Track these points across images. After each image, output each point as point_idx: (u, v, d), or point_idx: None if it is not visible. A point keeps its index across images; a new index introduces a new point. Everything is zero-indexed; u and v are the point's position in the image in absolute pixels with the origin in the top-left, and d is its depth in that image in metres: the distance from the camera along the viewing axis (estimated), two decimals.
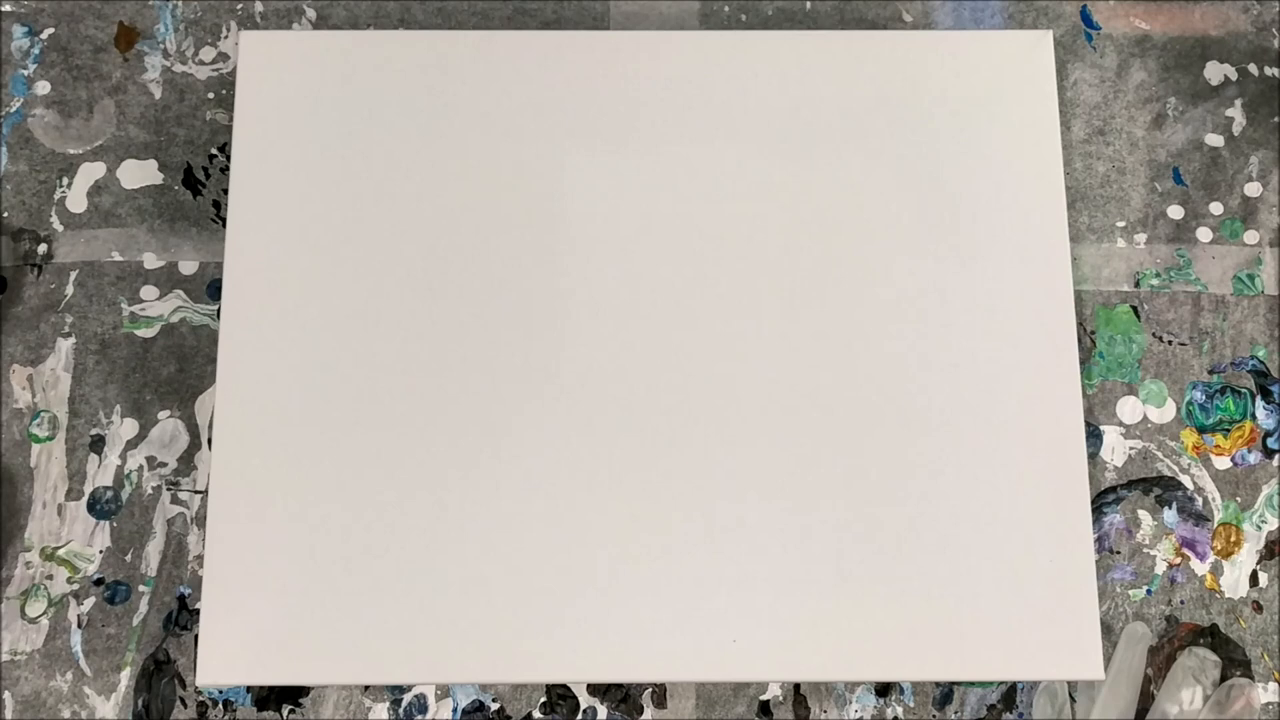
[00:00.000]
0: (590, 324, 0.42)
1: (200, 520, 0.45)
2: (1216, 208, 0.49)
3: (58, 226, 0.48)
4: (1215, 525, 0.46)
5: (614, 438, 0.41)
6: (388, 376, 0.41)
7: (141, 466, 0.46)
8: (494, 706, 0.44)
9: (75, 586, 0.45)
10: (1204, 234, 0.49)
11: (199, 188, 0.48)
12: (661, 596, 0.40)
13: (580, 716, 0.45)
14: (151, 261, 0.48)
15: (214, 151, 0.49)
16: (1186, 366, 0.48)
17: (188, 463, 0.46)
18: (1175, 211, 0.49)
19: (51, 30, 0.50)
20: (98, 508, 0.46)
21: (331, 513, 0.40)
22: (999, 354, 0.42)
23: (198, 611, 0.44)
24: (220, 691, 0.44)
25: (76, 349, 0.47)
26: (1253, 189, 0.49)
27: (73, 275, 0.47)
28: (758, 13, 0.50)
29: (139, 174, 0.48)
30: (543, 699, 0.45)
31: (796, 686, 0.45)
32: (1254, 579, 0.46)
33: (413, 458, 0.41)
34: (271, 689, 0.44)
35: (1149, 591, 0.46)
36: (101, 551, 0.45)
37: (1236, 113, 0.50)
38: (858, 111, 0.44)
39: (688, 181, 0.43)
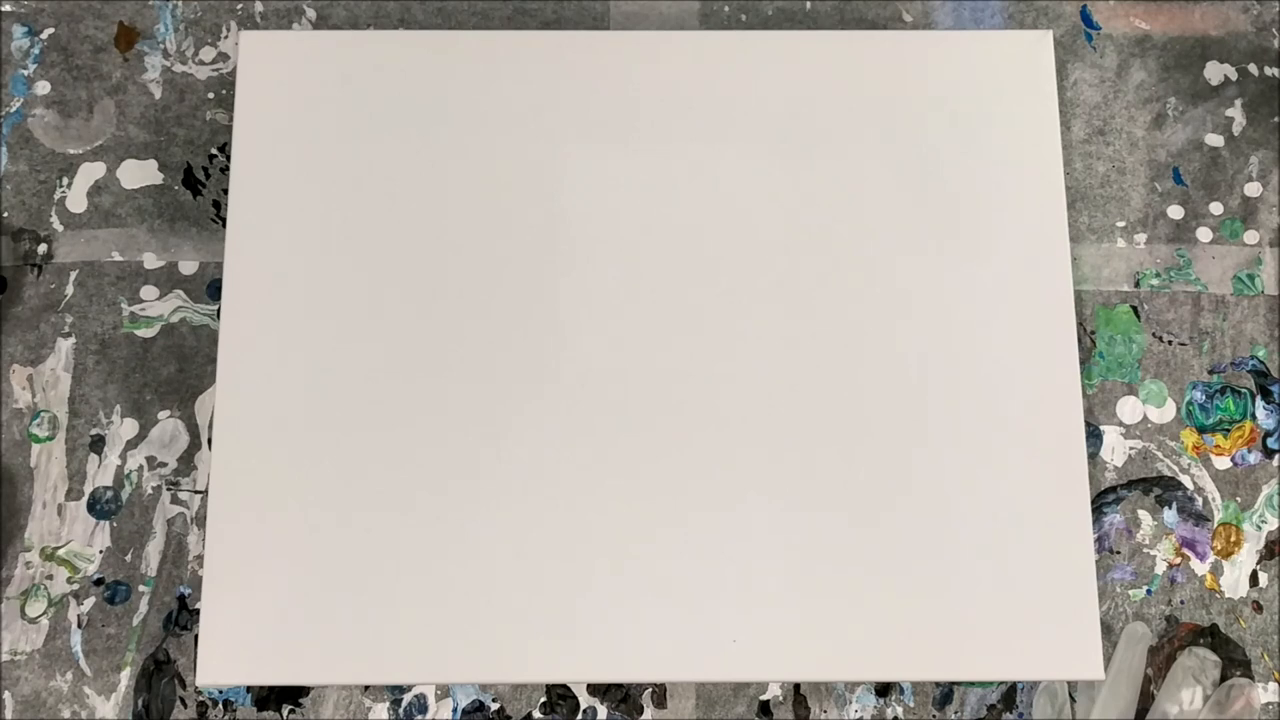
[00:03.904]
0: (589, 324, 0.42)
1: (200, 520, 0.45)
2: (1216, 208, 0.49)
3: (58, 226, 0.48)
4: (1215, 525, 0.46)
5: (614, 438, 0.41)
6: (388, 376, 0.41)
7: (141, 466, 0.46)
8: (494, 706, 0.44)
9: (75, 586, 0.45)
10: (1204, 234, 0.49)
11: (199, 188, 0.48)
12: (661, 596, 0.40)
13: (580, 716, 0.45)
14: (151, 261, 0.48)
15: (214, 151, 0.49)
16: (1186, 366, 0.48)
17: (188, 463, 0.46)
18: (1175, 211, 0.49)
19: (51, 30, 0.50)
20: (98, 508, 0.46)
21: (331, 513, 0.40)
22: (999, 354, 0.42)
23: (198, 611, 0.44)
24: (220, 691, 0.44)
25: (76, 349, 0.47)
26: (1253, 189, 0.49)
27: (73, 275, 0.47)
28: (758, 13, 0.50)
29: (139, 174, 0.48)
30: (543, 699, 0.45)
31: (796, 686, 0.45)
32: (1254, 579, 0.46)
33: (413, 457, 0.41)
34: (271, 689, 0.44)
35: (1149, 591, 0.46)
36: (101, 551, 0.45)
37: (1236, 113, 0.50)
38: (858, 111, 0.44)
39: (688, 181, 0.43)
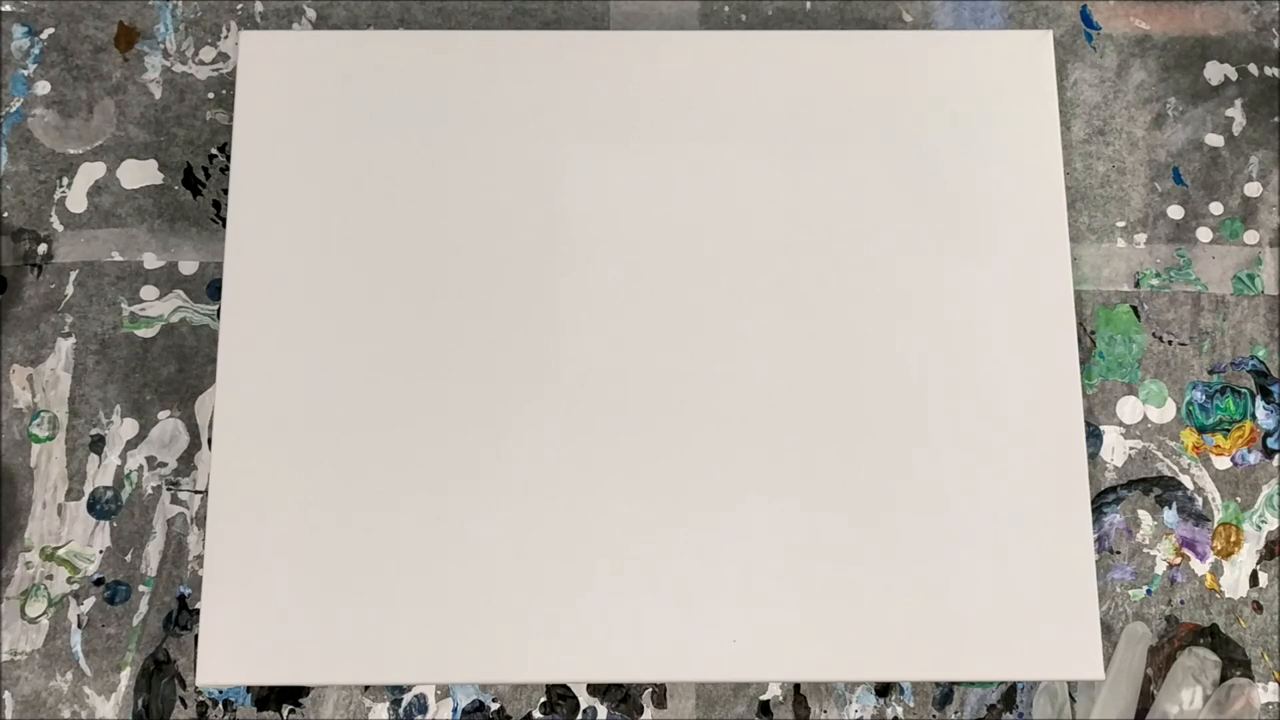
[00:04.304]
0: (590, 324, 0.42)
1: (200, 520, 0.45)
2: (1216, 208, 0.49)
3: (58, 226, 0.48)
4: (1215, 525, 0.46)
5: (614, 438, 0.41)
6: (388, 376, 0.41)
7: (141, 466, 0.46)
8: (494, 706, 0.44)
9: (75, 586, 0.45)
10: (1204, 234, 0.49)
11: (199, 188, 0.48)
12: (661, 596, 0.40)
13: (580, 716, 0.45)
14: (151, 261, 0.48)
15: (214, 151, 0.49)
16: (1186, 366, 0.48)
17: (188, 463, 0.46)
18: (1175, 211, 0.49)
19: (51, 30, 0.50)
20: (98, 508, 0.46)
21: (331, 512, 0.40)
22: (999, 354, 0.42)
23: (198, 611, 0.44)
24: (220, 691, 0.44)
25: (76, 349, 0.47)
26: (1253, 189, 0.49)
27: (73, 275, 0.47)
28: (758, 13, 0.50)
29: (139, 174, 0.48)
30: (543, 699, 0.45)
31: (796, 686, 0.45)
32: (1254, 579, 0.46)
33: (413, 457, 0.41)
34: (271, 689, 0.44)
35: (1149, 591, 0.46)
36: (101, 551, 0.45)
37: (1236, 113, 0.50)
38: (858, 111, 0.44)
39: (688, 181, 0.43)
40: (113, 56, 0.50)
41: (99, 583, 0.45)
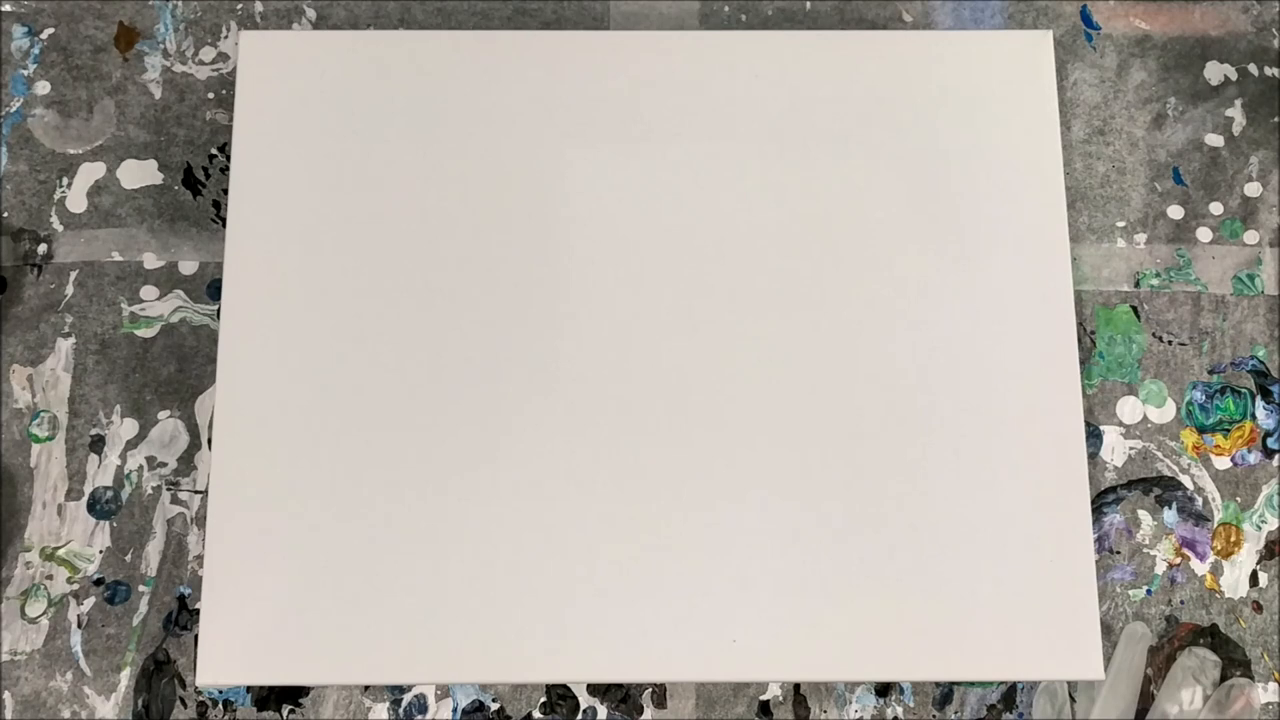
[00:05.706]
0: (590, 324, 0.42)
1: (200, 520, 0.45)
2: (1216, 208, 0.49)
3: (58, 226, 0.48)
4: (1215, 525, 0.46)
5: (614, 437, 0.41)
6: (388, 376, 0.41)
7: (141, 466, 0.46)
8: (494, 706, 0.44)
9: (75, 586, 0.45)
10: (1204, 234, 0.49)
11: (199, 188, 0.48)
12: (661, 596, 0.40)
13: (580, 716, 0.45)
14: (151, 261, 0.48)
15: (214, 151, 0.49)
16: (1186, 366, 0.48)
17: (188, 463, 0.46)
18: (1175, 211, 0.49)
19: (51, 30, 0.50)
20: (98, 508, 0.46)
21: (331, 512, 0.40)
22: (999, 354, 0.42)
23: (198, 611, 0.44)
24: (220, 691, 0.44)
25: (76, 349, 0.47)
26: (1253, 189, 0.49)
27: (73, 275, 0.47)
28: (758, 13, 0.50)
29: (139, 174, 0.48)
30: (543, 699, 0.45)
31: (796, 686, 0.45)
32: (1254, 579, 0.46)
33: (413, 457, 0.41)
34: (271, 689, 0.44)
35: (1149, 591, 0.46)
36: (101, 551, 0.45)
37: (1236, 113, 0.50)
38: (858, 111, 0.44)
39: (688, 181, 0.43)
40: (113, 56, 0.50)
41: (99, 583, 0.45)
